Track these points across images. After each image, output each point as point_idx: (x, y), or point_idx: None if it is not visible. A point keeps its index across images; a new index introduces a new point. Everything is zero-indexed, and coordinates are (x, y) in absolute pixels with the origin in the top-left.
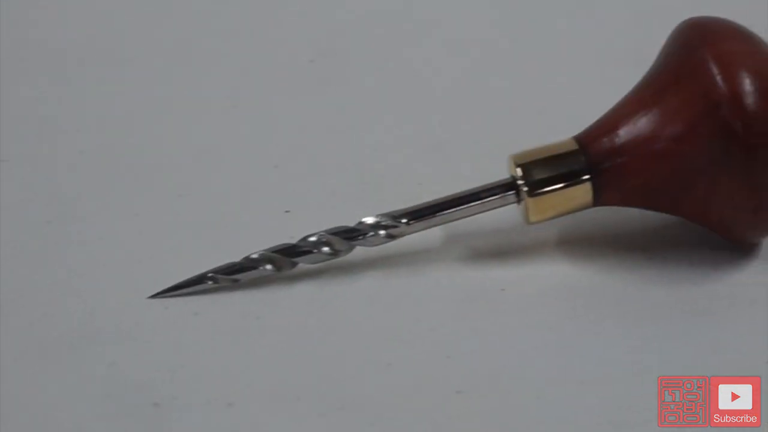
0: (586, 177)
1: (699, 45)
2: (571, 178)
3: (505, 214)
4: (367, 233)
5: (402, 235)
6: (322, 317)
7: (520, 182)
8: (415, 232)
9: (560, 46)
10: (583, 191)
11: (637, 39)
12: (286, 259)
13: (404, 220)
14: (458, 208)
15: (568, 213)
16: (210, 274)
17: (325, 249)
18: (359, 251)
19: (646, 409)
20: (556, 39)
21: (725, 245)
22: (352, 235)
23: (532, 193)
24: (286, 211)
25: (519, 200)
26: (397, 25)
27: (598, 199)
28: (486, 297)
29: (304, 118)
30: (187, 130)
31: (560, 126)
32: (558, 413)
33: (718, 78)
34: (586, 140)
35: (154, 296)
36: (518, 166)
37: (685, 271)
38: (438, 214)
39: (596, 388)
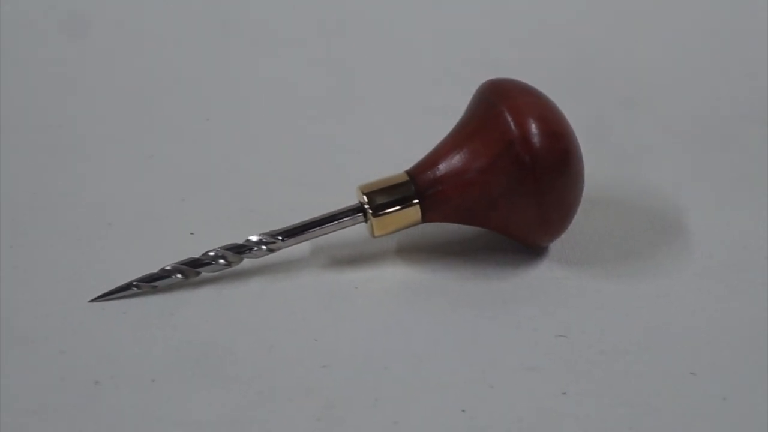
0: (416, 201)
1: (498, 100)
2: (404, 202)
3: (356, 231)
4: (252, 248)
5: (279, 248)
6: (220, 314)
7: (366, 206)
8: (289, 246)
9: (392, 100)
10: (413, 212)
11: (449, 95)
12: (192, 270)
13: (280, 238)
14: (321, 227)
15: (404, 228)
16: (135, 282)
17: (221, 261)
18: (247, 262)
19: (471, 372)
20: (388, 95)
21: (522, 249)
22: (241, 249)
23: (375, 214)
24: (191, 233)
25: (366, 220)
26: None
27: (425, 218)
28: (343, 294)
29: (203, 163)
30: (103, 174)
31: (396, 162)
32: (403, 380)
33: (512, 124)
34: (414, 173)
35: (93, 300)
36: (364, 194)
37: (493, 269)
38: (305, 232)
39: (430, 359)
